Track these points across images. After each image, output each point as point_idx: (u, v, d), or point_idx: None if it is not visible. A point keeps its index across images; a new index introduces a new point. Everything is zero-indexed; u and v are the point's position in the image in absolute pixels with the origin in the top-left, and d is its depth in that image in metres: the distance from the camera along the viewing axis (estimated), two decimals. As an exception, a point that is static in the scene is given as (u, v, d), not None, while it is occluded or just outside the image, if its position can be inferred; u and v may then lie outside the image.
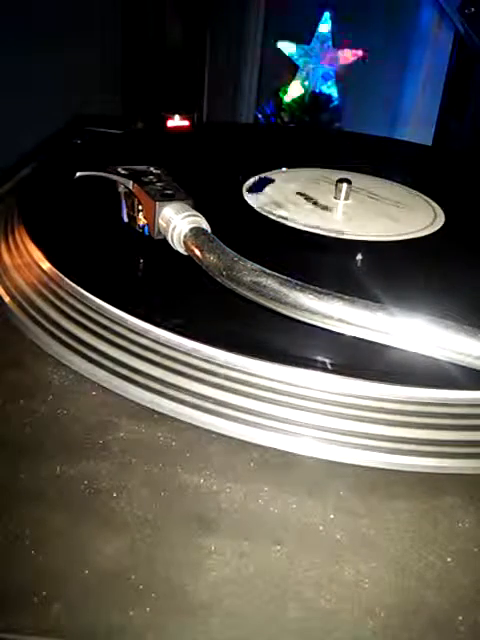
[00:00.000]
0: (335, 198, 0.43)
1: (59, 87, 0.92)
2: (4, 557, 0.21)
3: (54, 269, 0.33)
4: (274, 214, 0.40)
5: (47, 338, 0.30)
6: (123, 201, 0.35)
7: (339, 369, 0.27)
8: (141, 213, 0.34)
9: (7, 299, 0.33)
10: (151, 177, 0.34)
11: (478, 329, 0.25)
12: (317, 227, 0.39)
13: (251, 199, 0.42)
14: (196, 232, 0.30)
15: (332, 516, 0.23)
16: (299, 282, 0.26)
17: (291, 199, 0.43)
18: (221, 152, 0.53)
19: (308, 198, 0.43)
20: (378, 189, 0.46)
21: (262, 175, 0.47)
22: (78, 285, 0.31)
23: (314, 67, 1.36)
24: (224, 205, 0.41)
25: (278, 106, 1.36)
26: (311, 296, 0.26)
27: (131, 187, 0.34)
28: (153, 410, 0.27)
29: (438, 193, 0.46)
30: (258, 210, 0.40)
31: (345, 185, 0.43)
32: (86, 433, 0.26)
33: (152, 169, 0.35)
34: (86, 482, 0.24)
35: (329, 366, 0.27)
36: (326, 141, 0.64)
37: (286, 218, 0.39)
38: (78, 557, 0.21)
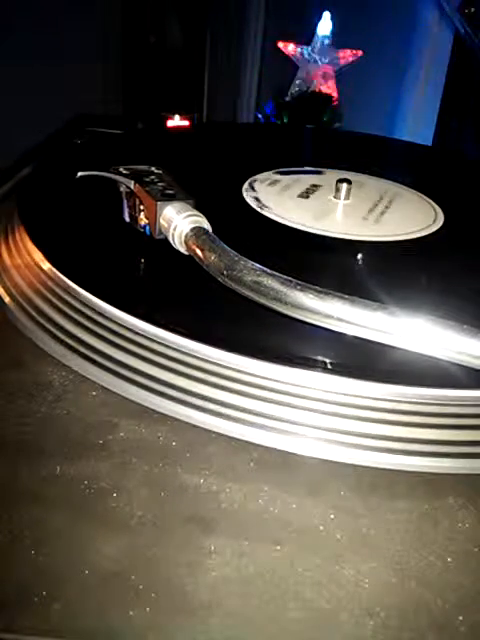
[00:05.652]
0: (335, 198, 0.43)
1: (59, 87, 0.92)
2: (4, 557, 0.21)
3: (54, 269, 0.33)
4: (274, 214, 0.40)
5: (47, 338, 0.30)
6: (125, 201, 0.35)
7: (339, 369, 0.27)
8: (142, 213, 0.34)
9: (7, 299, 0.33)
10: (152, 177, 0.34)
11: (478, 328, 0.25)
12: (317, 227, 0.39)
13: (251, 199, 0.42)
14: (197, 232, 0.30)
15: (332, 516, 0.23)
16: (300, 282, 0.26)
17: (291, 199, 0.43)
18: (221, 152, 0.53)
19: (308, 198, 0.43)
20: (378, 189, 0.46)
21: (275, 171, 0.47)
22: (78, 285, 0.31)
23: (314, 67, 1.36)
24: (225, 205, 0.41)
25: (278, 106, 1.36)
26: (312, 296, 0.26)
27: (132, 187, 0.34)
28: (153, 410, 0.27)
29: (438, 193, 0.46)
30: (259, 210, 0.40)
31: (345, 185, 0.43)
32: (86, 433, 0.26)
33: (153, 169, 0.36)
34: (86, 482, 0.24)
35: (329, 366, 0.27)
36: (326, 141, 0.64)
37: (286, 218, 0.39)
38: (78, 557, 0.21)
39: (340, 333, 0.26)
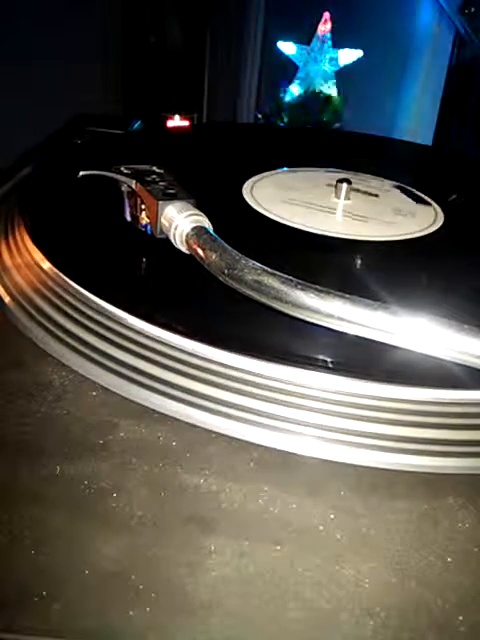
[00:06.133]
0: (335, 198, 0.43)
1: (59, 87, 0.92)
2: (4, 557, 0.21)
3: (54, 269, 0.33)
4: (275, 214, 0.40)
5: (47, 338, 0.30)
6: (126, 200, 0.35)
7: (340, 369, 0.27)
8: (144, 212, 0.34)
9: (7, 299, 0.33)
10: (154, 176, 0.34)
11: (478, 328, 0.25)
12: (317, 227, 0.39)
13: (252, 199, 0.42)
14: (198, 231, 0.30)
15: (332, 516, 0.23)
16: (300, 281, 0.26)
17: (291, 199, 0.43)
18: (221, 152, 0.53)
19: (308, 198, 0.43)
20: (378, 189, 0.46)
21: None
22: (79, 285, 0.31)
23: (314, 67, 1.36)
24: (225, 205, 0.41)
25: (278, 106, 1.36)
26: (312, 295, 0.26)
27: (134, 186, 0.34)
28: (153, 410, 0.27)
29: (438, 193, 0.46)
30: (259, 210, 0.40)
31: (345, 185, 0.43)
32: (86, 433, 0.26)
33: (155, 168, 0.36)
34: (86, 482, 0.24)
35: (330, 365, 0.27)
36: (326, 141, 0.64)
37: (287, 218, 0.39)
38: (78, 557, 0.21)
39: (341, 332, 0.26)
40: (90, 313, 0.31)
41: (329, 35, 1.34)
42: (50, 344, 0.30)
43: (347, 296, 0.26)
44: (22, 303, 0.32)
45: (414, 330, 0.25)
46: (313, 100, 1.34)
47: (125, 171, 0.35)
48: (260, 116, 1.37)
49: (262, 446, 0.26)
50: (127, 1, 1.15)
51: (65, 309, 0.31)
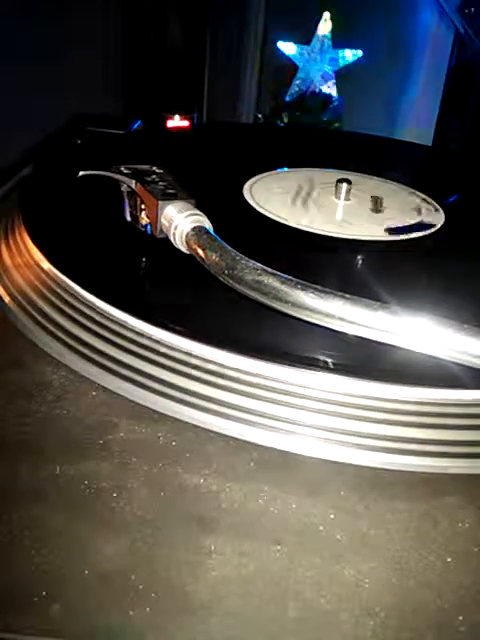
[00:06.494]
0: (335, 198, 0.43)
1: (59, 87, 0.92)
2: (4, 557, 0.21)
3: (54, 269, 0.33)
4: (275, 214, 0.40)
5: (47, 338, 0.30)
6: (126, 200, 0.35)
7: (340, 369, 0.27)
8: (144, 212, 0.34)
9: (7, 299, 0.33)
10: (154, 176, 0.34)
11: (478, 328, 0.25)
12: (317, 227, 0.39)
13: (252, 199, 0.42)
14: (198, 231, 0.30)
15: (332, 516, 0.23)
16: (301, 281, 0.26)
17: (292, 199, 0.43)
18: (221, 152, 0.53)
19: (308, 198, 0.43)
20: (378, 189, 0.46)
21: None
22: (78, 285, 0.31)
23: (314, 67, 1.36)
24: (225, 205, 0.41)
25: (278, 106, 1.36)
26: (312, 295, 0.26)
27: (134, 186, 0.34)
28: (153, 410, 0.27)
29: (438, 193, 0.46)
30: (259, 210, 0.40)
31: (345, 185, 0.43)
32: (86, 433, 0.26)
33: (155, 169, 0.36)
34: (86, 482, 0.24)
35: (330, 365, 0.27)
36: (326, 141, 0.64)
37: (287, 218, 0.39)
38: (78, 557, 0.21)
39: (340, 332, 0.26)
40: (90, 313, 0.31)
41: (329, 35, 1.34)
42: (50, 344, 0.30)
43: (347, 296, 0.26)
44: (22, 303, 0.32)
45: (414, 330, 0.25)
46: (313, 100, 1.34)
47: (125, 171, 0.35)
48: (260, 116, 1.37)
49: (262, 446, 0.26)
50: (127, 1, 1.15)
51: (65, 309, 0.31)
